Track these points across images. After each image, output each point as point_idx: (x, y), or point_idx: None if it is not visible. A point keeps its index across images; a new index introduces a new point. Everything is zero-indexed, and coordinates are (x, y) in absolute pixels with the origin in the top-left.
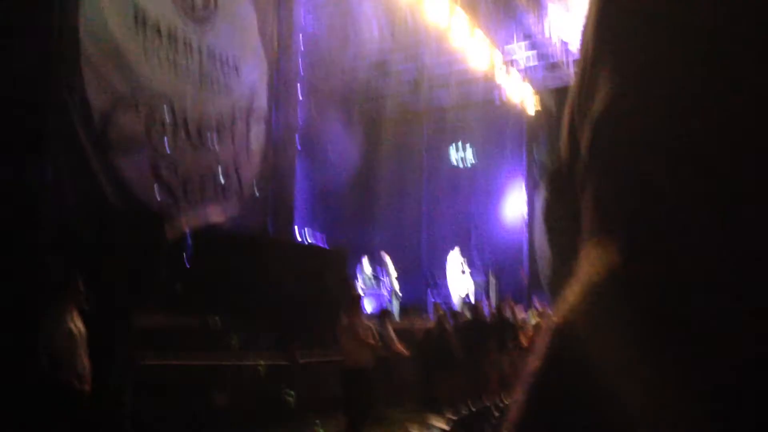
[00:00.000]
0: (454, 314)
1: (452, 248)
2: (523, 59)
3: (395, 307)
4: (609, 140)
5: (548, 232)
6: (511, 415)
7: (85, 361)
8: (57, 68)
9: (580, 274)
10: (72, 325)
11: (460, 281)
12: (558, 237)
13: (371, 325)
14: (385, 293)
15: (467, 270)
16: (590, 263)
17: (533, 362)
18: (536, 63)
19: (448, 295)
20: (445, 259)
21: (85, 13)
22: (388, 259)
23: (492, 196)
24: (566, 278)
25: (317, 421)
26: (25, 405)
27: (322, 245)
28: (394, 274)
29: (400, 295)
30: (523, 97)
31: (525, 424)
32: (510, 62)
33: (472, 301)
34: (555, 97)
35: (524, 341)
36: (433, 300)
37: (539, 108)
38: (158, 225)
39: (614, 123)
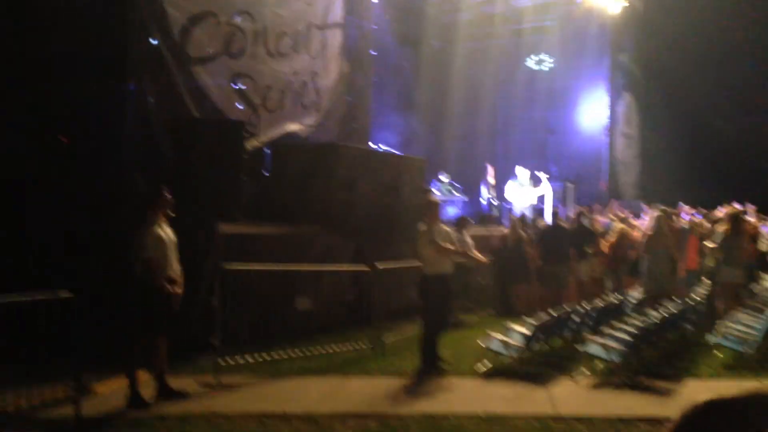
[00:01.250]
0: (533, 221)
1: (528, 157)
2: None
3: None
4: None
5: None
6: None
7: (176, 266)
8: None
9: None
10: (162, 232)
11: (530, 191)
12: None
13: (450, 231)
14: (484, 200)
15: (544, 178)
16: None
17: None
18: None
19: (512, 207)
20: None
21: None
22: (490, 169)
23: (571, 102)
24: None
25: None
26: (123, 308)
27: (400, 155)
28: (493, 182)
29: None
30: None
31: None
32: None
33: (548, 208)
34: None
35: (605, 248)
36: (507, 207)
37: (625, 6)
38: (237, 135)
39: None
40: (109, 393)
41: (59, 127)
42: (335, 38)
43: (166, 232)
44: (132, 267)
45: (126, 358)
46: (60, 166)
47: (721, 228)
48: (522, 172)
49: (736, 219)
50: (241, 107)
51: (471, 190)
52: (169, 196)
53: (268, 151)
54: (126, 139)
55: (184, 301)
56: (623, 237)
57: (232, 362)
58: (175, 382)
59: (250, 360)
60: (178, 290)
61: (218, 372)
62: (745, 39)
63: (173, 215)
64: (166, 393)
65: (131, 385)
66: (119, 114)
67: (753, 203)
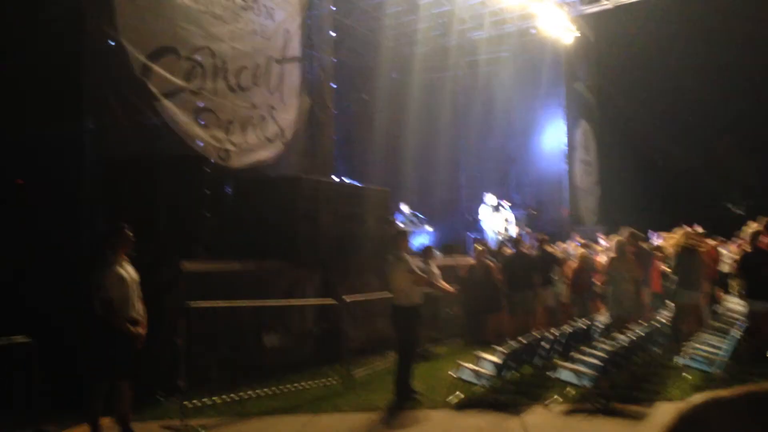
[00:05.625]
0: (497, 250)
1: (490, 186)
2: None
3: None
4: None
5: None
6: None
7: (138, 306)
8: (90, 18)
9: None
10: (123, 271)
11: (496, 219)
12: None
13: (417, 262)
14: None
15: (506, 206)
16: None
17: None
18: None
19: (485, 233)
20: (483, 197)
21: None
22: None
23: (530, 130)
24: None
25: None
26: (84, 351)
27: (363, 186)
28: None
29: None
30: (560, 26)
31: None
32: None
33: (512, 235)
34: (592, 24)
35: (569, 274)
36: (472, 237)
37: (577, 37)
38: (200, 170)
39: None
40: None
41: (14, 169)
42: (294, 72)
43: (128, 271)
44: (92, 308)
45: (88, 404)
46: (16, 207)
47: (673, 250)
48: (491, 199)
49: (686, 240)
50: (205, 141)
51: (434, 220)
52: (129, 235)
53: (233, 185)
54: (85, 177)
55: (148, 341)
56: (585, 262)
57: (198, 404)
58: (140, 428)
59: (218, 401)
60: (141, 331)
61: (184, 415)
62: (694, 65)
63: (134, 254)
64: None
65: None
66: (78, 153)
67: (706, 227)
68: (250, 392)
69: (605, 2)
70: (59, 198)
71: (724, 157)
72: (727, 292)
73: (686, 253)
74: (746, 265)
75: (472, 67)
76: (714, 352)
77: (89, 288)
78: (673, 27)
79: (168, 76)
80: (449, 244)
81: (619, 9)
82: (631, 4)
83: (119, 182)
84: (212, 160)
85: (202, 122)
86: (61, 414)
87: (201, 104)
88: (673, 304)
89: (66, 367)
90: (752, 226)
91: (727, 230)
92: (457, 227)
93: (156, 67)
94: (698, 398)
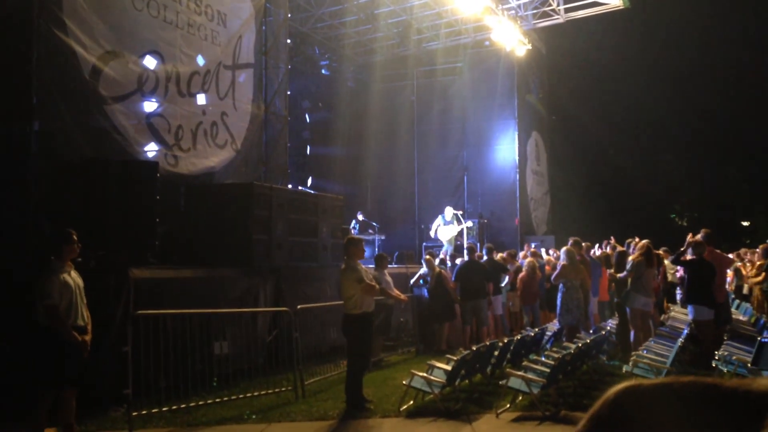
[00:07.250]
0: (451, 258)
1: (444, 195)
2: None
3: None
4: None
5: None
6: None
7: (84, 313)
8: (40, 19)
9: None
10: (68, 278)
11: (450, 228)
12: None
13: (369, 270)
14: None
15: (460, 216)
16: None
17: None
18: (526, 2)
19: (439, 242)
20: (438, 206)
21: None
22: (448, 211)
23: (484, 140)
24: None
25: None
26: (27, 359)
27: (317, 193)
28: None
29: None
30: (513, 39)
31: None
32: (499, 2)
33: (465, 244)
34: (544, 37)
35: (518, 283)
36: (425, 244)
37: (529, 49)
38: (151, 175)
39: None
40: None
41: None
42: (247, 79)
43: (73, 278)
44: (37, 316)
45: (31, 414)
46: None
47: (633, 257)
48: (449, 212)
49: (648, 251)
50: (157, 147)
51: (389, 228)
52: (76, 240)
53: (183, 191)
54: (32, 180)
55: (94, 349)
56: (533, 271)
57: (146, 413)
58: None
59: (166, 410)
60: (87, 338)
61: (132, 424)
62: (643, 79)
63: (80, 259)
64: None
65: None
66: (24, 155)
67: (651, 237)
68: (199, 401)
69: (557, 17)
70: (4, 201)
71: (670, 170)
72: (671, 301)
73: (645, 261)
74: (689, 273)
75: (428, 76)
76: (659, 360)
77: (34, 295)
78: (622, 42)
79: (117, 79)
80: (404, 252)
81: (570, 23)
82: (582, 19)
83: (67, 186)
84: (162, 166)
85: (152, 127)
86: (3, 425)
87: (150, 109)
88: (620, 312)
89: (8, 375)
90: (696, 238)
91: (672, 241)
92: (412, 236)
93: (106, 70)
94: (621, 386)
